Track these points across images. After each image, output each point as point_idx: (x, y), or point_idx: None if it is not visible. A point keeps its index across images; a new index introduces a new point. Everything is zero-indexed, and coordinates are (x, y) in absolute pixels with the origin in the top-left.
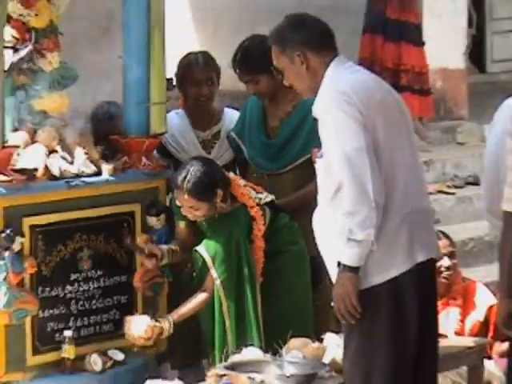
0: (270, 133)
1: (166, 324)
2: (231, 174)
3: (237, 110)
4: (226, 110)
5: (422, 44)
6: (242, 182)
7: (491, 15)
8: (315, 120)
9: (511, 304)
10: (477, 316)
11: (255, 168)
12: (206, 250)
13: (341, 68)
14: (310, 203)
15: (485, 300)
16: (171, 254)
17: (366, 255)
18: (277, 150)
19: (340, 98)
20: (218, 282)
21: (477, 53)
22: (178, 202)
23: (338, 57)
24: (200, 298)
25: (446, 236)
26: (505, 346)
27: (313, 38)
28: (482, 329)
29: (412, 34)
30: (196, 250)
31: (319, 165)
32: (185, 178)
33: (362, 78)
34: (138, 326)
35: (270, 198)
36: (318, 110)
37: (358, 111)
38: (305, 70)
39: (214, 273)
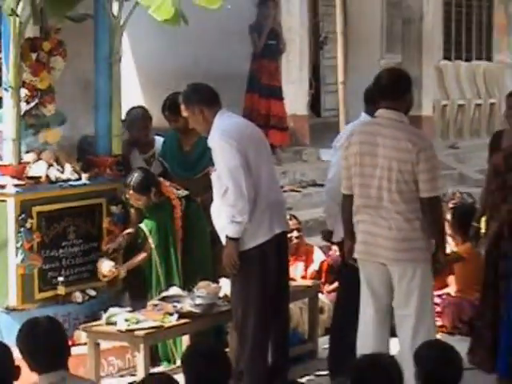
0: (185, 154)
1: (122, 270)
2: (161, 179)
3: (162, 136)
4: (156, 138)
5: (283, 99)
6: (167, 183)
7: (324, 81)
8: (210, 148)
9: (349, 243)
10: (314, 267)
11: (176, 176)
12: (145, 226)
13: (223, 116)
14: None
15: (319, 257)
16: (128, 236)
17: (243, 230)
18: (191, 164)
19: (224, 135)
20: (153, 245)
21: (315, 105)
22: (127, 196)
23: (221, 109)
24: (142, 255)
25: (295, 217)
26: (332, 286)
27: (205, 98)
28: (317, 275)
29: (277, 93)
30: (139, 227)
31: (214, 176)
32: (130, 180)
33: (236, 121)
34: (105, 267)
35: (185, 193)
36: (211, 142)
37: (235, 142)
38: (201, 119)
39: (150, 240)
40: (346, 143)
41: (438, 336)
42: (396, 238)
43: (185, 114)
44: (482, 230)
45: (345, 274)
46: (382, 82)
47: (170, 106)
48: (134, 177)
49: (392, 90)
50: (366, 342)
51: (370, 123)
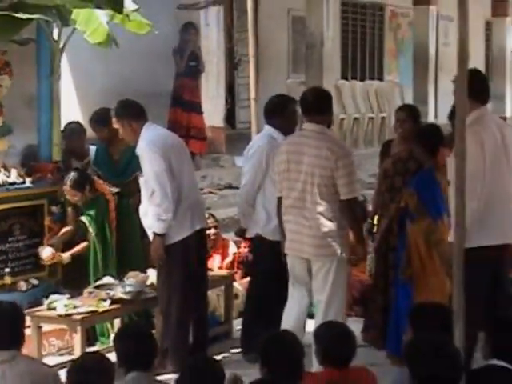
0: (114, 161)
1: (65, 256)
2: (95, 177)
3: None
4: (91, 147)
5: (202, 113)
6: (101, 181)
7: (238, 97)
8: (137, 156)
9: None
10: (229, 259)
11: (108, 181)
12: (85, 218)
13: (149, 128)
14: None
15: (232, 250)
16: (67, 233)
17: (168, 227)
18: (120, 171)
19: (150, 144)
20: (93, 235)
21: (230, 118)
22: (65, 192)
23: (147, 122)
24: (83, 244)
25: (213, 216)
26: (245, 280)
27: (133, 113)
28: (231, 266)
29: (197, 108)
30: (80, 220)
31: (141, 180)
32: (67, 179)
33: (161, 132)
34: (46, 252)
35: (116, 190)
36: (139, 151)
37: (160, 150)
38: (130, 130)
39: (90, 229)
40: (278, 151)
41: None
42: (316, 236)
43: (116, 126)
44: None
45: (256, 267)
46: (308, 99)
47: (97, 119)
48: (71, 175)
49: (317, 107)
50: (285, 321)
51: (297, 135)
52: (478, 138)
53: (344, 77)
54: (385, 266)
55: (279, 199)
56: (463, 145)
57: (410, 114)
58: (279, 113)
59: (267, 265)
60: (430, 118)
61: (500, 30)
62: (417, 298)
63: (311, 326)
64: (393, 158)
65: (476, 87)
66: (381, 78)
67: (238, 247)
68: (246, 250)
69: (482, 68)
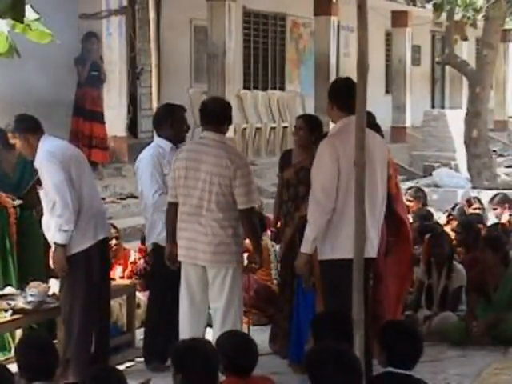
0: (7, 175)
1: None
2: None
3: None
4: None
5: (104, 123)
6: (3, 194)
7: (141, 107)
8: (29, 167)
9: (170, 245)
10: (130, 269)
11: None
12: None
13: (47, 140)
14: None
15: (133, 259)
16: None
17: (70, 237)
18: (15, 184)
19: (48, 155)
20: None
21: (133, 127)
22: None
23: (44, 134)
24: None
25: (114, 226)
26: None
27: (29, 127)
28: (133, 275)
29: (99, 117)
30: None
31: (42, 193)
32: None
33: (58, 144)
34: None
35: (18, 202)
36: (37, 164)
37: (58, 161)
38: (27, 144)
39: None
40: (175, 157)
41: (245, 326)
42: (212, 243)
43: (13, 141)
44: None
45: (155, 276)
46: (207, 108)
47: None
48: None
49: (216, 116)
50: (183, 331)
51: (196, 143)
52: (333, 151)
53: (246, 86)
54: (291, 275)
55: (170, 204)
56: (362, 154)
57: (306, 122)
58: (165, 122)
59: (165, 273)
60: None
61: (400, 41)
62: (319, 306)
63: (209, 334)
64: (295, 167)
65: (343, 96)
66: (283, 88)
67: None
68: (142, 261)
69: (382, 78)
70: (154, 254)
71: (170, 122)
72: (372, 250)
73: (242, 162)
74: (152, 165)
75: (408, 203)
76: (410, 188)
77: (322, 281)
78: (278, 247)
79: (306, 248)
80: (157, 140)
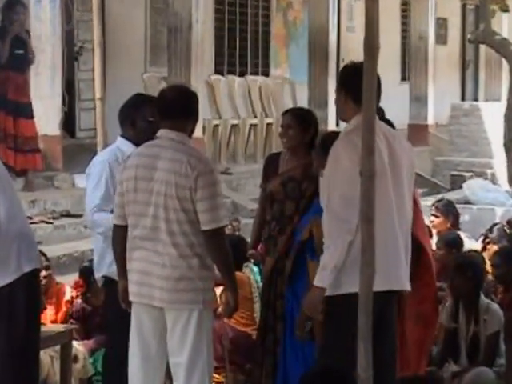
0: None
1: None
2: None
3: None
4: None
5: (33, 118)
6: None
7: (79, 97)
8: None
9: (122, 282)
10: (65, 309)
11: None
12: None
13: None
14: None
15: (68, 298)
16: None
17: None
18: None
19: None
20: None
21: (69, 124)
22: None
23: None
24: None
25: (43, 254)
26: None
27: None
28: (69, 318)
29: (26, 111)
30: None
31: None
32: None
33: None
34: None
35: None
36: None
37: None
38: None
39: None
40: (122, 166)
41: None
42: (170, 277)
43: None
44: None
45: (111, 321)
46: (166, 99)
47: None
48: None
49: (177, 109)
50: None
51: (150, 145)
52: (354, 152)
53: (218, 71)
54: (273, 317)
55: (117, 228)
56: (371, 161)
57: (296, 118)
58: (127, 118)
59: (123, 316)
60: (331, 126)
61: (421, 12)
62: (320, 361)
63: None
64: (282, 176)
65: (358, 85)
66: (266, 73)
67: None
68: (80, 299)
69: (397, 61)
70: (105, 290)
71: (132, 119)
72: (406, 279)
73: (205, 167)
74: (102, 176)
75: (433, 220)
76: (438, 201)
77: (329, 325)
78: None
79: (322, 280)
80: (118, 141)
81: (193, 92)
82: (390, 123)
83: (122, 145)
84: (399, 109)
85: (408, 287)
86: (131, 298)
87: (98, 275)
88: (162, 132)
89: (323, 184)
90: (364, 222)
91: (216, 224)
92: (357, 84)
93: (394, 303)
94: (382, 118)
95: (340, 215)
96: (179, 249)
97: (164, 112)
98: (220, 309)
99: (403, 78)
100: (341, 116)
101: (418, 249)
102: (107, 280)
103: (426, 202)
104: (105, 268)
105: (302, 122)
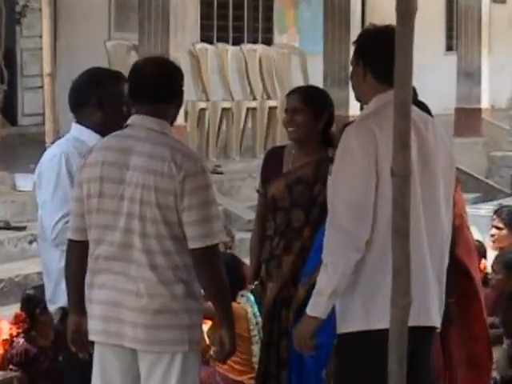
0: None
1: None
2: None
3: None
4: None
5: None
6: None
7: (22, 72)
8: None
9: (75, 318)
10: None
11: None
12: None
13: None
14: None
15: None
16: None
17: None
18: None
19: None
20: None
21: (9, 107)
22: None
23: None
24: None
25: None
26: None
27: None
28: (7, 364)
29: None
30: None
31: None
32: None
33: None
34: None
35: None
36: None
37: None
38: None
39: None
40: (82, 163)
41: None
42: (147, 310)
43: None
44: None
45: (68, 366)
46: (140, 76)
47: None
48: None
49: (157, 90)
50: None
51: (120, 135)
52: (369, 142)
53: (206, 38)
54: (277, 364)
55: (74, 245)
56: (406, 155)
57: (306, 100)
58: (88, 100)
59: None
60: (354, 110)
61: None
62: None
63: None
64: (287, 177)
65: (383, 55)
66: (269, 41)
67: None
68: (22, 341)
69: (440, 26)
70: (61, 327)
71: (97, 100)
72: (437, 312)
73: (195, 166)
74: (60, 173)
75: (494, 233)
76: (502, 208)
77: (338, 370)
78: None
79: (317, 308)
80: (74, 130)
81: (176, 66)
82: (424, 107)
83: (81, 133)
84: (443, 88)
85: (438, 323)
86: (93, 338)
87: (52, 307)
88: (135, 119)
89: (329, 184)
90: (396, 238)
91: (209, 241)
92: (380, 54)
93: (425, 343)
94: (414, 99)
95: (345, 226)
96: (159, 272)
97: (139, 93)
98: (211, 351)
99: (449, 48)
100: (357, 95)
101: (461, 273)
102: (65, 313)
103: (479, 211)
104: (62, 298)
105: (313, 104)
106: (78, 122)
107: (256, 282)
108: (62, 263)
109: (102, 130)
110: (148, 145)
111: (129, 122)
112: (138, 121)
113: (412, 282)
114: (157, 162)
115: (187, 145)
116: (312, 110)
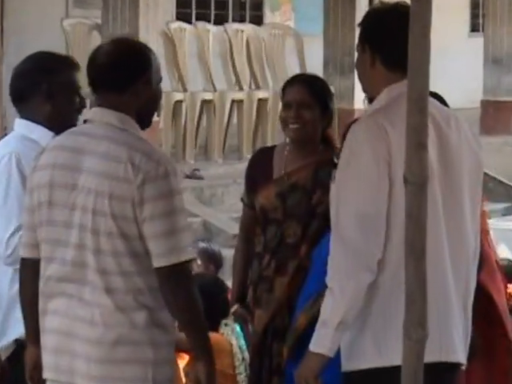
0: None
1: None
2: None
3: None
4: None
5: None
6: None
7: None
8: None
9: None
10: None
11: None
12: None
13: None
14: None
15: None
16: None
17: None
18: None
19: None
20: None
21: None
22: None
23: None
24: None
25: None
26: None
27: None
28: None
29: None
30: None
31: None
32: None
33: None
34: None
35: None
36: None
37: None
38: None
39: None
40: (33, 166)
41: None
42: (102, 341)
43: None
44: None
45: None
46: (100, 61)
47: None
48: None
49: (117, 76)
50: None
51: (74, 132)
52: (382, 142)
53: (182, 15)
54: None
55: (25, 263)
56: (423, 158)
57: (314, 91)
58: (35, 91)
59: None
60: (360, 104)
61: None
62: None
63: None
64: (280, 184)
65: (393, 39)
66: (258, 19)
67: None
68: None
69: (463, 3)
70: (16, 361)
71: (46, 90)
72: (460, 349)
73: (156, 167)
74: (11, 176)
75: None
76: None
77: None
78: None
79: (322, 343)
80: (20, 126)
81: (148, 48)
82: (439, 100)
83: (30, 131)
84: (467, 77)
85: (463, 359)
86: (45, 375)
87: (2, 342)
88: (93, 112)
89: (332, 193)
90: (410, 257)
91: (175, 258)
92: (390, 37)
93: (448, 382)
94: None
95: (354, 242)
96: (116, 297)
97: (93, 81)
98: None
99: (474, 29)
100: (365, 87)
101: (485, 301)
102: (19, 346)
103: (509, 224)
104: (17, 328)
105: (321, 98)
106: (23, 116)
107: (236, 306)
108: (16, 286)
109: (52, 126)
110: (104, 143)
111: (87, 116)
112: (96, 115)
113: (433, 309)
114: (112, 164)
115: (160, 144)
116: (320, 104)
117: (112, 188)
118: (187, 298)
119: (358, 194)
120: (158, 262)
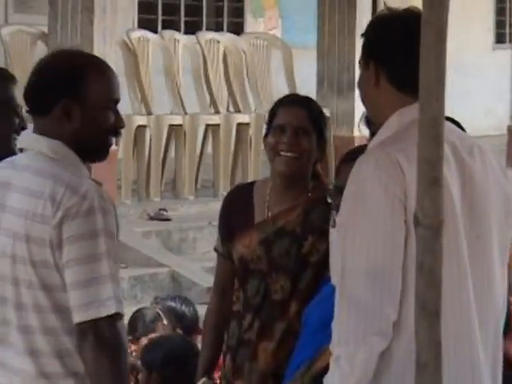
0: None
1: None
2: None
3: None
4: None
5: None
6: None
7: None
8: None
9: None
10: None
11: None
12: None
13: None
14: None
15: None
16: None
17: None
18: None
19: None
20: None
21: None
22: None
23: None
24: None
25: None
26: None
27: None
28: None
29: None
30: None
31: None
32: None
33: None
34: None
35: None
36: None
37: None
38: None
39: None
40: None
41: None
42: None
43: None
44: None
45: None
46: (34, 78)
47: None
48: None
49: (32, 96)
50: None
51: (4, 162)
52: (395, 178)
53: (146, 23)
54: None
55: None
56: (437, 196)
57: (314, 117)
58: None
59: None
60: (362, 130)
61: None
62: None
63: None
64: (264, 229)
65: (402, 54)
66: (238, 28)
67: None
68: None
69: (487, 10)
70: None
71: None
72: None
73: (79, 203)
74: None
75: None
76: None
77: None
78: None
79: None
80: None
81: (91, 61)
82: (456, 126)
83: None
84: (491, 96)
85: None
86: None
87: None
88: (27, 140)
89: (335, 242)
90: (422, 318)
91: (92, 312)
92: (399, 52)
93: None
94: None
95: (365, 303)
96: (39, 361)
97: (26, 102)
98: None
99: (499, 40)
100: (370, 112)
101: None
102: None
103: None
104: None
105: (318, 124)
106: None
107: (204, 379)
108: None
109: None
110: (26, 176)
111: (22, 144)
112: (30, 143)
113: (456, 379)
114: (31, 200)
115: (118, 179)
116: (316, 132)
117: (28, 229)
118: (108, 367)
119: (369, 243)
120: (75, 317)
